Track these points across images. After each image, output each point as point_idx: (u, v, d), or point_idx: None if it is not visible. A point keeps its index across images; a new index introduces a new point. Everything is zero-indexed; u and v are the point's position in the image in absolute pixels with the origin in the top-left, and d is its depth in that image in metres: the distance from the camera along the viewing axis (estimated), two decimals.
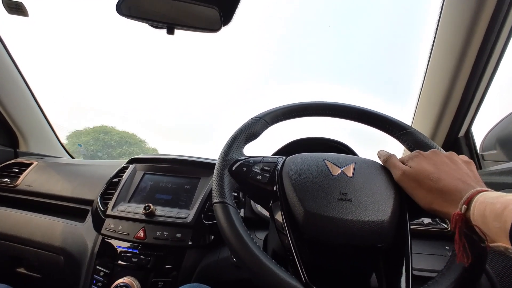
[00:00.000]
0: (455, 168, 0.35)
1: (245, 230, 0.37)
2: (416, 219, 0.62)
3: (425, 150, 0.40)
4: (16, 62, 1.01)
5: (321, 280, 0.33)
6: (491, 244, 0.28)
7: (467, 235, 0.30)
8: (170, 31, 0.64)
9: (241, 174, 0.43)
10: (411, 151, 0.44)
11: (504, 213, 0.26)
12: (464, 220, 0.30)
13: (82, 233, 0.72)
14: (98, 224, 0.70)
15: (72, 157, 1.26)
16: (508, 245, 0.26)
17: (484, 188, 0.31)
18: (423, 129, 0.86)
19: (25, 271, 0.76)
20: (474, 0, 0.63)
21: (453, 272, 0.33)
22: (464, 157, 0.38)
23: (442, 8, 0.71)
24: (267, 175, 0.42)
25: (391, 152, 0.44)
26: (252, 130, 0.49)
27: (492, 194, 0.29)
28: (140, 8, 0.63)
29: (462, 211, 0.30)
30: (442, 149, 0.42)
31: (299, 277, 0.33)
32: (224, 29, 0.64)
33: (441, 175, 0.34)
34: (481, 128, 0.80)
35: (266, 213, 0.72)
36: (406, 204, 0.39)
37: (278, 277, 0.32)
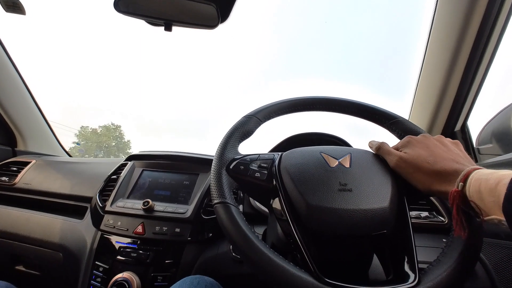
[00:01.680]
0: (446, 150, 0.37)
1: (249, 228, 0.37)
2: (413, 203, 0.63)
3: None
4: (13, 61, 1.01)
5: (329, 271, 0.33)
6: (485, 218, 0.30)
7: (464, 211, 0.32)
8: (168, 28, 0.64)
9: (239, 172, 0.43)
10: (401, 139, 0.45)
11: (497, 188, 0.27)
12: (461, 196, 0.31)
13: (81, 230, 0.72)
14: (97, 220, 0.70)
15: (70, 155, 1.26)
16: (501, 218, 0.27)
17: (477, 166, 0.33)
18: (420, 123, 0.87)
19: (24, 269, 0.76)
20: None
21: (454, 251, 0.34)
22: (450, 140, 0.40)
23: (437, 2, 0.72)
24: (265, 172, 0.42)
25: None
26: (245, 128, 0.49)
27: (486, 171, 0.31)
28: (138, 5, 0.63)
29: (459, 188, 0.31)
30: (430, 135, 0.43)
31: (309, 270, 0.33)
32: (221, 26, 0.65)
33: (436, 158, 0.36)
34: (477, 122, 0.80)
35: (265, 208, 0.72)
36: (403, 189, 0.40)
37: (289, 273, 0.32)
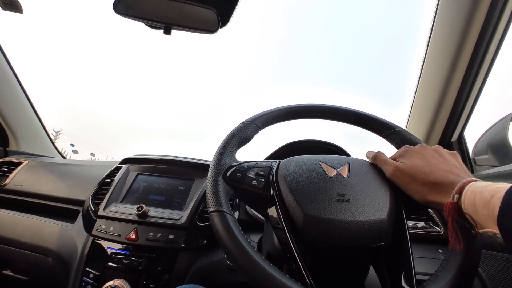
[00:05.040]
0: (443, 161, 0.37)
1: (245, 238, 0.36)
2: (412, 215, 0.63)
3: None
4: (9, 60, 0.99)
5: (324, 283, 0.33)
6: (480, 231, 0.30)
7: (459, 223, 0.32)
8: (167, 31, 0.64)
9: (236, 180, 0.42)
10: (398, 149, 0.45)
11: (492, 201, 0.27)
12: (457, 208, 0.31)
13: (72, 234, 0.71)
14: (89, 225, 0.69)
15: (63, 157, 1.24)
16: (496, 231, 0.27)
17: (473, 178, 0.33)
18: (417, 133, 0.87)
19: (11, 274, 0.74)
20: (466, 7, 0.65)
21: (452, 266, 0.34)
22: (447, 150, 0.40)
23: (435, 15, 0.73)
24: (263, 180, 0.42)
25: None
26: (243, 134, 0.48)
27: (481, 183, 0.31)
28: (138, 8, 0.62)
29: (455, 200, 0.31)
30: (427, 145, 0.43)
31: (304, 282, 0.33)
32: (221, 31, 0.65)
33: (432, 168, 0.36)
34: (473, 133, 0.81)
35: (261, 216, 0.71)
36: (401, 200, 0.39)
37: (284, 285, 0.31)
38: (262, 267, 0.33)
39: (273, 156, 0.80)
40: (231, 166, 0.43)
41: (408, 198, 0.38)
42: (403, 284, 0.34)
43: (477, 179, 0.32)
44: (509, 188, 0.27)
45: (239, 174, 0.42)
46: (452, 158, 0.38)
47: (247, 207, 0.72)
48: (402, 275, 0.34)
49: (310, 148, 0.79)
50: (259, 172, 0.43)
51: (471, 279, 0.35)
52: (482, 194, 0.29)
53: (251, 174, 0.42)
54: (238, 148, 0.48)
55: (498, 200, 0.27)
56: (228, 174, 0.42)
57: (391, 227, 0.37)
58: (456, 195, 0.31)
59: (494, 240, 0.28)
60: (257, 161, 0.45)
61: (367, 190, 0.39)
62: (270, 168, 0.43)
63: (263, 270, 0.33)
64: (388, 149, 0.47)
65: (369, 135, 0.55)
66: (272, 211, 0.40)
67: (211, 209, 0.39)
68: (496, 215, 0.26)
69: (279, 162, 0.45)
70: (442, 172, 0.35)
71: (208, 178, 0.42)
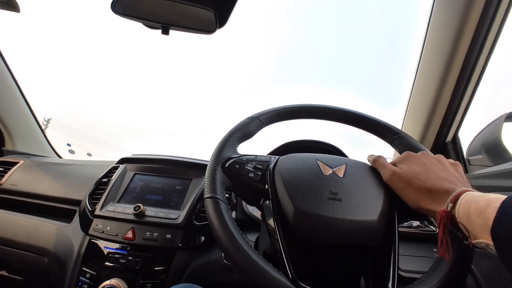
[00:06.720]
0: (442, 169, 0.37)
1: (234, 225, 0.37)
2: (405, 221, 0.63)
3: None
4: (4, 58, 0.99)
5: (309, 279, 0.33)
6: (473, 241, 0.29)
7: (451, 232, 0.32)
8: (165, 31, 0.64)
9: (233, 171, 0.43)
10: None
11: (487, 210, 0.27)
12: (450, 217, 0.31)
13: (69, 234, 0.70)
14: (85, 224, 0.68)
15: (60, 156, 1.23)
16: (489, 241, 0.27)
17: (470, 188, 0.32)
18: (412, 134, 0.88)
19: (6, 274, 0.73)
20: (460, 9, 0.66)
21: (439, 272, 0.34)
22: (451, 160, 0.40)
23: (430, 18, 0.74)
24: (260, 173, 0.43)
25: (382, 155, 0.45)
26: (247, 129, 0.49)
27: (477, 193, 0.30)
28: (136, 7, 0.62)
29: (448, 209, 0.31)
30: (431, 153, 0.43)
31: (286, 273, 0.33)
32: (219, 31, 0.65)
33: (430, 175, 0.36)
34: (468, 133, 0.82)
35: (258, 215, 0.71)
36: (395, 205, 0.39)
37: (266, 273, 0.32)
38: (246, 252, 0.34)
39: (273, 153, 0.80)
40: (231, 158, 0.44)
41: (402, 203, 0.38)
42: (388, 286, 0.34)
43: (473, 190, 0.32)
44: (505, 199, 0.27)
45: (237, 166, 0.43)
46: (452, 168, 0.38)
47: (244, 206, 0.73)
48: (385, 277, 0.35)
49: (310, 148, 0.79)
50: (257, 166, 0.44)
51: (463, 278, 0.35)
52: (477, 204, 0.28)
53: (249, 166, 0.43)
54: (240, 142, 0.49)
55: (493, 210, 0.26)
56: (227, 165, 0.43)
57: (381, 230, 0.37)
58: (450, 204, 0.31)
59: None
60: (256, 155, 0.46)
61: (361, 191, 0.39)
62: (268, 163, 0.44)
63: (246, 255, 0.34)
64: (388, 152, 0.48)
65: (368, 137, 0.55)
66: (266, 207, 0.41)
67: (206, 195, 0.40)
68: (490, 225, 0.26)
69: (278, 158, 0.45)
70: (439, 180, 0.35)
71: (207, 166, 0.43)
